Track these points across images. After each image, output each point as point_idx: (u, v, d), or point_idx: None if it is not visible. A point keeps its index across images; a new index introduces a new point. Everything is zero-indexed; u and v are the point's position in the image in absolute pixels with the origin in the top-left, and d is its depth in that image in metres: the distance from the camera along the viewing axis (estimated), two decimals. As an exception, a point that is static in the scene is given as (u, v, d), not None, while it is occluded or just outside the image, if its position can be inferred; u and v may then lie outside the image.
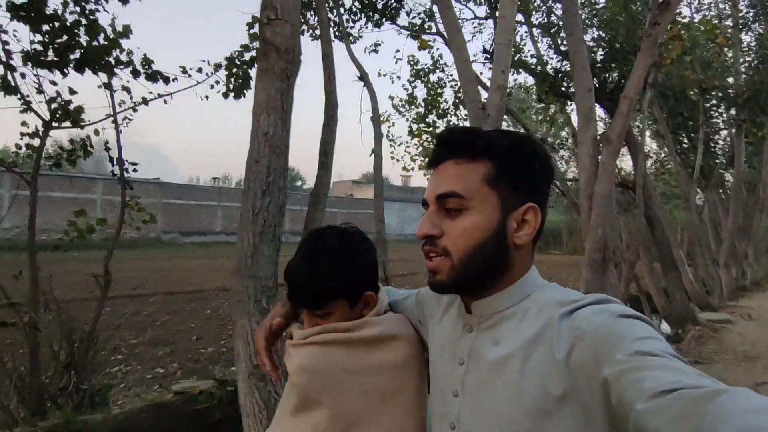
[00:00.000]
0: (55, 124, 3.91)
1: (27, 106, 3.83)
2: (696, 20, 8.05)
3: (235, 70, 5.38)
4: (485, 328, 0.75)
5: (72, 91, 3.97)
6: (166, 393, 3.39)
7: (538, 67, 7.96)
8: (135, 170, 3.77)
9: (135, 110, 3.88)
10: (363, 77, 4.33)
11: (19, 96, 3.83)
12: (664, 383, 0.49)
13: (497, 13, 3.54)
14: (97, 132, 3.81)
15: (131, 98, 3.87)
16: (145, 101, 3.90)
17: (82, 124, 3.99)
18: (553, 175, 0.80)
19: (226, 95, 5.41)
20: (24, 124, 3.92)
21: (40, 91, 3.83)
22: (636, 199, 5.43)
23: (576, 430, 0.61)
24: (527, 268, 0.76)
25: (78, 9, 3.69)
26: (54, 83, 3.90)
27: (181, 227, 29.37)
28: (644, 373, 0.52)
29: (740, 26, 9.39)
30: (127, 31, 4.02)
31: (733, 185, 10.07)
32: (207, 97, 5.27)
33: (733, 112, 9.42)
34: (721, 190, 12.38)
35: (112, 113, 4.03)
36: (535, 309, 0.71)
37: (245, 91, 5.47)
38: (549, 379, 0.64)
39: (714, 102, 9.79)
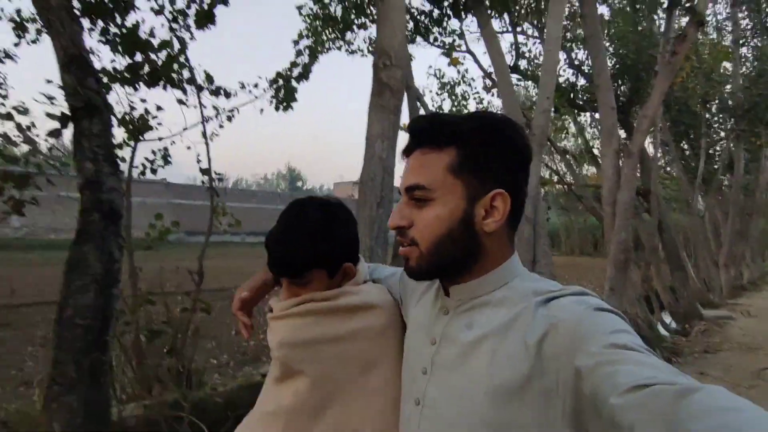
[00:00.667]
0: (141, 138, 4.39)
1: (120, 122, 4.31)
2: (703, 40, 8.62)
3: (282, 83, 5.92)
4: (461, 311, 0.76)
5: (158, 108, 4.45)
6: (254, 375, 3.88)
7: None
8: (221, 180, 4.26)
9: (221, 126, 4.37)
10: (418, 98, 4.83)
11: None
12: (638, 378, 0.50)
13: (543, 46, 4.05)
14: (188, 146, 4.28)
15: (217, 115, 4.36)
16: (229, 118, 4.40)
17: (164, 137, 4.48)
18: (528, 157, 0.78)
19: (277, 108, 5.92)
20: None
21: (132, 108, 4.30)
22: (651, 205, 5.98)
23: (536, 414, 0.62)
24: (506, 255, 0.76)
25: (171, 35, 4.17)
26: (143, 101, 4.38)
27: (186, 227, 29.71)
28: (619, 366, 0.53)
29: (740, 42, 10.00)
30: (184, 49, 4.48)
31: (733, 191, 10.72)
32: (262, 110, 5.77)
33: (732, 122, 10.03)
34: (720, 196, 13.03)
35: (186, 128, 4.52)
36: (511, 297, 0.72)
37: (292, 104, 6.01)
38: (516, 364, 0.64)
39: (714, 112, 10.43)
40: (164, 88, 4.48)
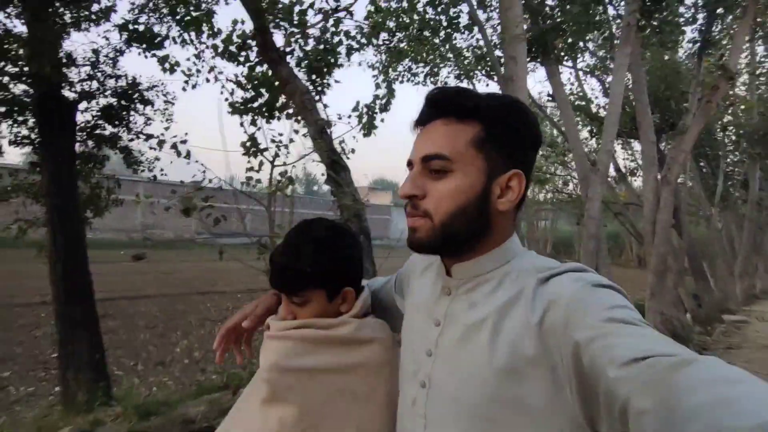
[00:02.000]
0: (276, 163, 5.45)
1: (259, 151, 5.37)
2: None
3: (366, 112, 7.03)
4: (463, 291, 0.76)
5: (291, 140, 5.50)
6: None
7: (582, 103, 9.57)
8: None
9: (348, 157, 5.41)
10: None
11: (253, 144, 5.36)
12: (636, 350, 0.50)
13: (609, 91, 5.05)
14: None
15: (342, 147, 5.41)
16: (352, 149, 5.46)
17: (291, 162, 5.54)
18: (540, 142, 0.79)
19: (363, 134, 7.01)
20: (249, 162, 5.48)
21: (273, 140, 5.36)
22: (681, 222, 6.98)
23: (543, 392, 0.63)
24: (509, 234, 0.77)
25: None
26: (280, 134, 5.45)
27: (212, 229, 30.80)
28: (616, 339, 0.54)
29: (756, 73, 11.00)
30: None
31: (748, 208, 11.70)
32: (354, 137, 6.85)
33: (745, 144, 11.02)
34: (733, 212, 13.99)
35: (305, 155, 5.56)
36: (513, 275, 0.72)
37: (374, 131, 7.10)
38: (521, 341, 0.65)
39: (731, 135, 11.44)
40: (278, 119, 5.55)
